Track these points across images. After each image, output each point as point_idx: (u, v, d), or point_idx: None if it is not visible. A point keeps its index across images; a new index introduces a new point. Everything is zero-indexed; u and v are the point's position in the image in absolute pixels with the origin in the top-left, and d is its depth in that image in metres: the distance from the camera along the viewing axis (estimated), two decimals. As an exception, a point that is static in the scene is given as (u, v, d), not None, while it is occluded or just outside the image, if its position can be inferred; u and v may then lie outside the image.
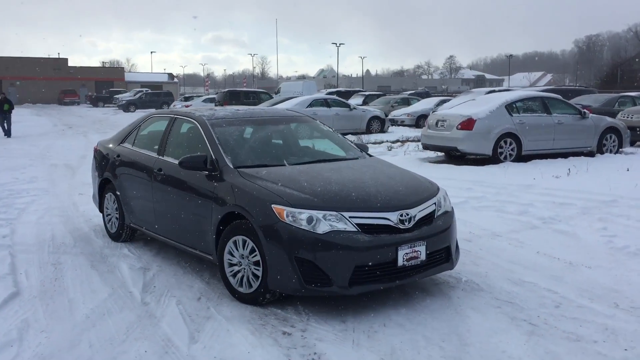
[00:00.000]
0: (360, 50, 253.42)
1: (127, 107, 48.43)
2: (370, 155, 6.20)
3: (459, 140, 12.55)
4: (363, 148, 6.32)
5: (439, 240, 4.90)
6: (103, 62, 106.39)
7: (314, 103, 21.23)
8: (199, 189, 5.31)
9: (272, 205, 4.58)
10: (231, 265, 4.91)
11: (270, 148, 5.74)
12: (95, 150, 7.43)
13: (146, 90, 53.88)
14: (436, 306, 4.76)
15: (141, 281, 5.43)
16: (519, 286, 5.20)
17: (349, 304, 4.76)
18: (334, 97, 22.83)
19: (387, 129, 22.73)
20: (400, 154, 14.91)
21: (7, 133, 23.21)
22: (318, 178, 4.99)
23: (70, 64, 76.99)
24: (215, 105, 31.48)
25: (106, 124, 31.66)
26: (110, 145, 7.07)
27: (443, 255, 5.00)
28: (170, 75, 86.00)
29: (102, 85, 73.27)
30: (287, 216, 4.49)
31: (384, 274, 4.58)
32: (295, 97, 23.92)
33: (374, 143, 17.89)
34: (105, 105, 60.13)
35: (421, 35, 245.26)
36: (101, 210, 7.22)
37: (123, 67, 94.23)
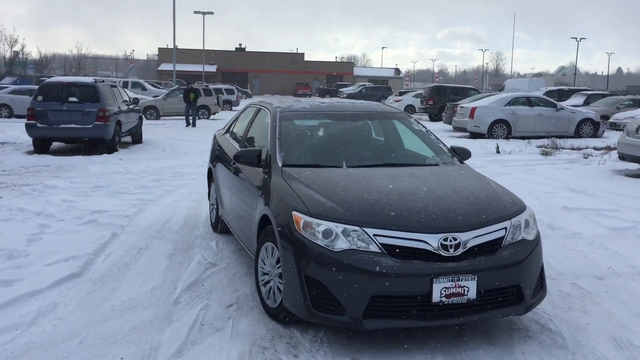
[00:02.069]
0: (610, 46, 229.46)
1: (347, 100, 50.04)
2: (462, 162, 5.20)
3: (663, 151, 10.32)
4: (460, 153, 5.34)
5: (503, 276, 3.85)
6: (336, 57, 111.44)
7: (513, 101, 19.42)
8: (252, 186, 4.90)
9: (293, 212, 3.98)
10: (263, 273, 4.43)
11: (334, 146, 5.08)
12: (213, 139, 7.44)
13: (367, 85, 55.04)
14: (486, 360, 3.74)
15: (195, 277, 5.20)
16: (619, 351, 3.89)
17: (378, 337, 3.96)
18: (540, 96, 20.66)
19: (601, 134, 19.93)
20: (594, 164, 12.82)
21: (192, 123, 23.37)
22: (362, 184, 4.24)
23: (310, 59, 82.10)
24: (421, 101, 30.83)
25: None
26: (218, 135, 7.01)
27: (508, 295, 3.92)
28: (397, 71, 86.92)
29: (333, 78, 76.81)
30: (304, 227, 3.86)
31: (411, 310, 3.71)
32: (493, 94, 22.18)
33: (572, 149, 15.72)
34: (332, 98, 62.88)
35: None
36: (209, 198, 7.22)
37: (352, 62, 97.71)
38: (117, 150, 14.32)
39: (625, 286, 5.13)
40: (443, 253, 3.72)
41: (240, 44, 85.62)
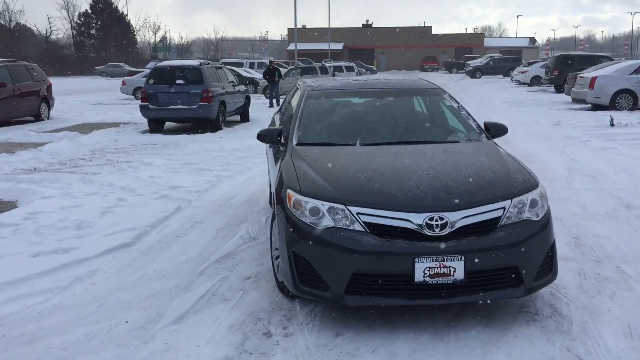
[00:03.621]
0: None
1: (473, 73, 48.33)
2: (489, 139, 4.96)
3: None
4: (493, 130, 5.09)
5: (497, 257, 3.69)
6: (466, 29, 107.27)
7: (640, 69, 17.78)
8: (274, 163, 5.05)
9: (287, 190, 4.08)
10: (275, 248, 4.57)
11: (353, 124, 5.05)
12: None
13: (496, 56, 52.75)
14: (473, 342, 3.64)
15: (230, 250, 5.45)
16: (626, 340, 3.62)
17: (371, 314, 3.98)
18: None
19: None
20: None
21: (273, 103, 22.09)
22: (362, 163, 4.24)
23: (442, 31, 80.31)
24: (546, 72, 29.11)
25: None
26: (275, 114, 7.21)
27: (504, 277, 3.75)
28: (532, 40, 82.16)
29: (462, 51, 74.35)
30: (295, 204, 3.95)
31: (393, 289, 3.68)
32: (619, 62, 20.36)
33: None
34: (459, 71, 60.93)
35: None
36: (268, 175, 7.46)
37: (483, 33, 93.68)
38: (221, 129, 15.06)
39: (679, 272, 4.67)
40: (428, 233, 3.64)
41: (367, 20, 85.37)
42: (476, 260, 3.64)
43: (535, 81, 33.58)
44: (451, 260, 3.61)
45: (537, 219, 3.88)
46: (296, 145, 4.74)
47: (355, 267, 3.65)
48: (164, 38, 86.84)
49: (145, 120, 15.76)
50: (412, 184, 3.88)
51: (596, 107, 18.13)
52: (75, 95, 29.79)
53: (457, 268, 3.62)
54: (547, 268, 3.92)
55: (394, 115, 5.28)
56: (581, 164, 9.41)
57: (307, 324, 3.92)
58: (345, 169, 4.14)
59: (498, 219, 3.77)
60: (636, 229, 5.82)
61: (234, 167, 9.84)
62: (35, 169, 9.87)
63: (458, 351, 3.52)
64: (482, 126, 5.14)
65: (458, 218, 3.68)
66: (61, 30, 78.48)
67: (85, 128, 15.73)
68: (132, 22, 75.73)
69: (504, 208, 3.80)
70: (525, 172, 4.22)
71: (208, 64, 15.67)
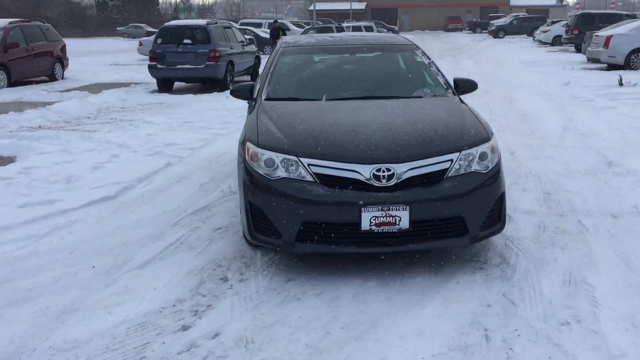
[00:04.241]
0: None
1: (496, 33, 47.32)
2: (455, 94, 5.01)
3: None
4: (462, 86, 5.12)
5: (442, 208, 3.81)
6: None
7: (656, 28, 17.32)
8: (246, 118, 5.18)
9: (247, 142, 4.23)
10: (242, 200, 4.75)
11: (322, 79, 5.14)
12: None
13: (520, 15, 51.51)
14: (416, 288, 3.79)
15: (208, 203, 5.64)
16: (563, 287, 3.74)
17: (326, 262, 4.16)
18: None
19: None
20: None
21: None
22: (321, 117, 4.36)
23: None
24: (566, 31, 28.48)
25: (459, 50, 31.45)
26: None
27: (450, 227, 3.88)
28: (560, -1, 79.83)
29: (487, 10, 72.70)
30: (252, 156, 4.10)
31: (341, 237, 3.84)
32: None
33: None
34: (483, 31, 59.70)
35: None
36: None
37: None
38: (228, 89, 15.16)
39: (637, 226, 4.74)
40: (375, 183, 3.77)
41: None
42: (421, 210, 3.76)
43: (556, 41, 32.87)
44: (396, 210, 3.73)
45: (484, 172, 3.97)
46: (264, 100, 4.86)
47: (305, 216, 3.80)
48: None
49: (155, 81, 15.93)
50: (364, 137, 3.99)
51: (611, 67, 17.80)
52: (93, 56, 30.05)
53: (402, 217, 3.75)
54: (495, 219, 4.04)
55: (363, 71, 5.35)
56: (577, 123, 9.37)
57: (263, 271, 4.10)
58: (303, 123, 4.26)
59: (445, 170, 3.87)
60: (610, 185, 5.86)
61: (233, 125, 10.01)
62: (40, 126, 10.15)
63: (399, 295, 3.69)
64: (452, 82, 5.19)
65: (405, 170, 3.79)
66: (84, -10, 79.02)
67: (97, 88, 15.95)
68: (154, -18, 75.07)
69: (451, 160, 3.89)
70: (479, 125, 4.29)
71: (215, 23, 15.71)
